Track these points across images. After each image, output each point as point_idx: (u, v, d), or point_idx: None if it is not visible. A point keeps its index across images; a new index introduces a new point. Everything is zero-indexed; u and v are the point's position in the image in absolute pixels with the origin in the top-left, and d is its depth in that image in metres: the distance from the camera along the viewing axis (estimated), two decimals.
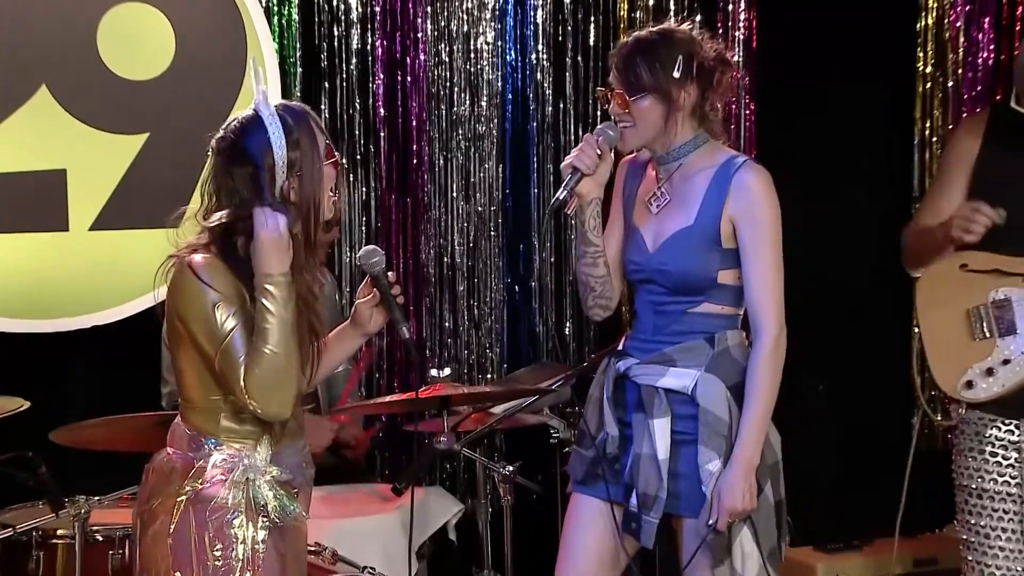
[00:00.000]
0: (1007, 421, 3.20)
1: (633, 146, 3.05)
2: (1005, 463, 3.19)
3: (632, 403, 3.03)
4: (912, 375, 3.37)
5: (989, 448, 3.20)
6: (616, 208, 3.12)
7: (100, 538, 3.39)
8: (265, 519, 2.60)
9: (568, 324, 4.84)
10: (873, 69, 4.89)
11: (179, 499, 2.59)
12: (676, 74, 2.95)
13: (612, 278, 3.11)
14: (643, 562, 3.10)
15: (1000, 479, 3.19)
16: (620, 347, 3.12)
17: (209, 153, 2.63)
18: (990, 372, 3.19)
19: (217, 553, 2.58)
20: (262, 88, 2.58)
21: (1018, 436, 3.19)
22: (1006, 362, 3.19)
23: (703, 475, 2.93)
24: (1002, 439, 3.20)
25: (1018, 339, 3.19)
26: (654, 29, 3.04)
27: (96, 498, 3.40)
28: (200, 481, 2.59)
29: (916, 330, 3.35)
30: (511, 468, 3.56)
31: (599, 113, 4.83)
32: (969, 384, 3.20)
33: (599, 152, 2.98)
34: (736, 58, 4.86)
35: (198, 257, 2.56)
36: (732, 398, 2.95)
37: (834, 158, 4.88)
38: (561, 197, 2.97)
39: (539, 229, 3.49)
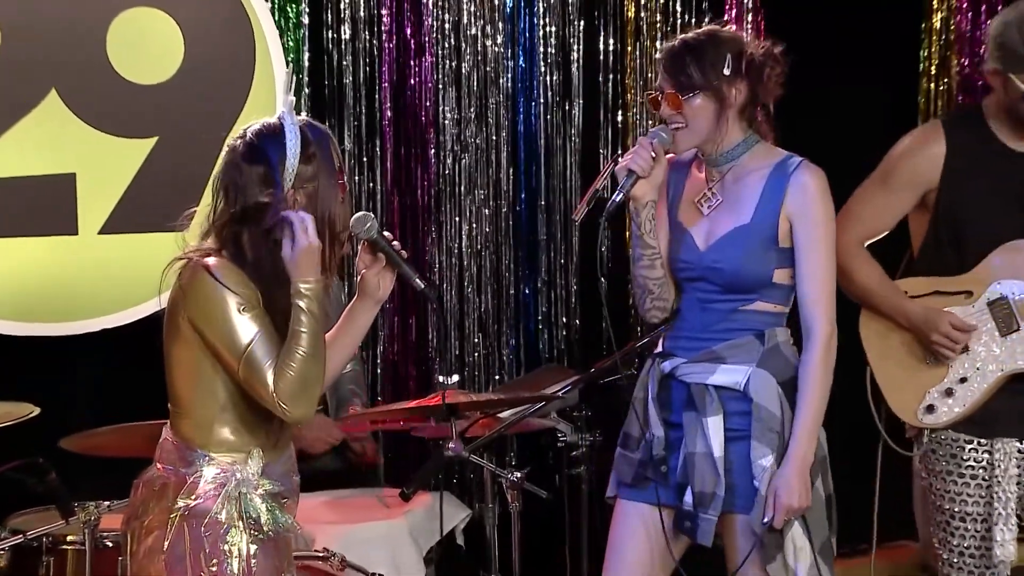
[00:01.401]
0: (983, 441, 3.17)
1: (686, 147, 3.04)
2: (984, 485, 3.16)
3: (680, 402, 3.02)
4: (870, 407, 3.32)
5: (969, 472, 3.17)
6: (661, 206, 3.10)
7: (110, 544, 3.40)
8: (258, 532, 2.60)
9: (577, 326, 4.84)
10: (876, 71, 4.88)
11: (172, 515, 2.59)
12: (727, 71, 2.97)
13: (668, 279, 3.10)
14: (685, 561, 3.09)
15: (983, 500, 3.16)
16: (661, 348, 3.10)
17: (224, 149, 2.64)
18: (949, 393, 3.17)
19: (213, 568, 2.57)
20: (290, 98, 2.61)
21: (984, 454, 3.16)
22: (963, 380, 3.17)
23: (755, 470, 2.95)
24: (980, 460, 3.17)
25: (971, 356, 3.18)
26: (701, 31, 3.06)
27: (106, 503, 3.41)
28: (193, 496, 2.59)
29: (867, 365, 3.30)
30: (519, 475, 3.56)
31: (606, 114, 4.84)
32: (930, 408, 3.19)
33: (653, 155, 2.98)
34: None
35: (212, 260, 2.56)
36: (784, 394, 2.97)
37: (837, 160, 4.87)
38: (618, 200, 2.97)
39: (565, 231, 3.39)
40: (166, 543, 2.58)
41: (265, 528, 2.61)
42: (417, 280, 2.73)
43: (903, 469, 3.44)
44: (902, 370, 3.23)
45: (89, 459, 3.56)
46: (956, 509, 3.19)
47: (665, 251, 3.09)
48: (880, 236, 3.33)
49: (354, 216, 2.72)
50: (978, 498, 3.17)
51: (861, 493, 4.74)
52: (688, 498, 2.97)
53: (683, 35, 3.07)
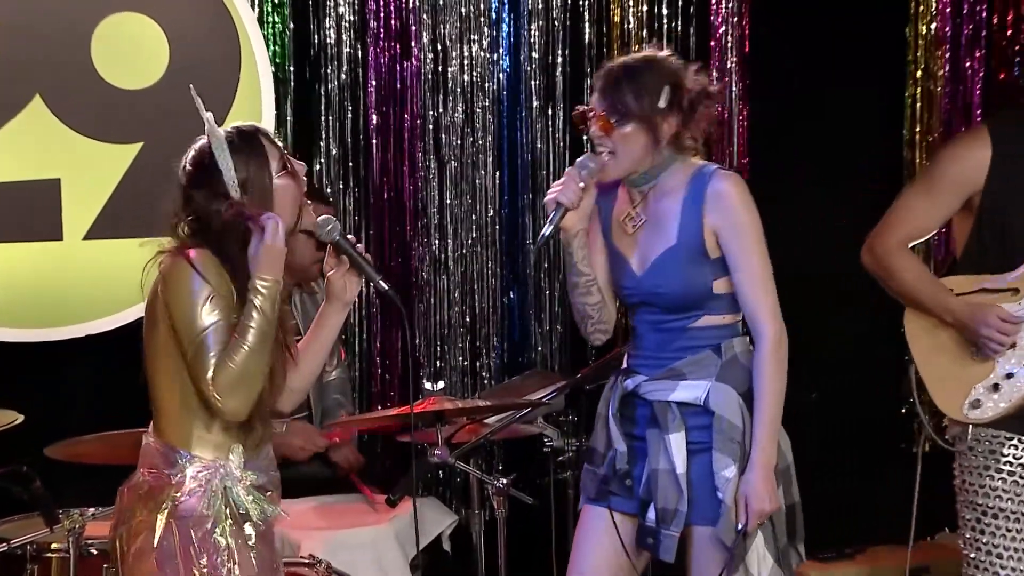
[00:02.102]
0: (1022, 438, 3.17)
1: (615, 176, 3.04)
2: (1022, 483, 3.16)
3: (644, 418, 3.04)
4: (915, 403, 3.33)
5: (1007, 468, 3.17)
6: (594, 231, 3.13)
7: (95, 551, 3.38)
8: (246, 524, 2.66)
9: (561, 331, 4.85)
10: (866, 74, 4.89)
11: (159, 515, 2.64)
12: (662, 103, 2.96)
13: (606, 302, 3.14)
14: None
15: (1017, 499, 3.15)
16: (625, 365, 3.13)
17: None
18: (995, 388, 3.17)
19: (203, 562, 2.62)
20: (207, 115, 2.69)
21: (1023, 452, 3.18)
22: (1009, 376, 3.17)
23: (718, 482, 2.96)
24: (1019, 457, 3.17)
25: (1018, 351, 3.18)
26: (640, 56, 3.04)
27: (91, 511, 3.40)
28: (179, 495, 2.64)
29: (911, 362, 3.31)
30: (505, 481, 3.56)
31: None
32: (975, 404, 3.18)
33: (582, 185, 2.98)
34: (730, 64, 4.88)
35: (195, 252, 2.63)
36: (744, 404, 2.98)
37: (827, 161, 4.89)
38: (547, 233, 2.99)
39: (528, 254, 3.49)
40: (155, 542, 2.63)
41: (254, 519, 2.67)
42: (381, 282, 2.77)
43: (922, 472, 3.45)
44: (947, 366, 3.23)
45: (74, 466, 3.55)
46: (990, 504, 3.18)
47: (604, 275, 3.12)
48: (924, 239, 3.34)
49: (318, 219, 2.78)
50: (1013, 495, 3.16)
51: (865, 492, 4.78)
52: (651, 514, 2.99)
53: (623, 58, 3.05)
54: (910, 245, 3.32)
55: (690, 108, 2.99)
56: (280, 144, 2.75)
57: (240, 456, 2.68)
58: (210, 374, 2.57)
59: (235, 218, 2.61)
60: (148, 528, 2.63)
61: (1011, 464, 3.17)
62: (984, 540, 3.18)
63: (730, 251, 2.97)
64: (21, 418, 3.42)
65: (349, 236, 2.79)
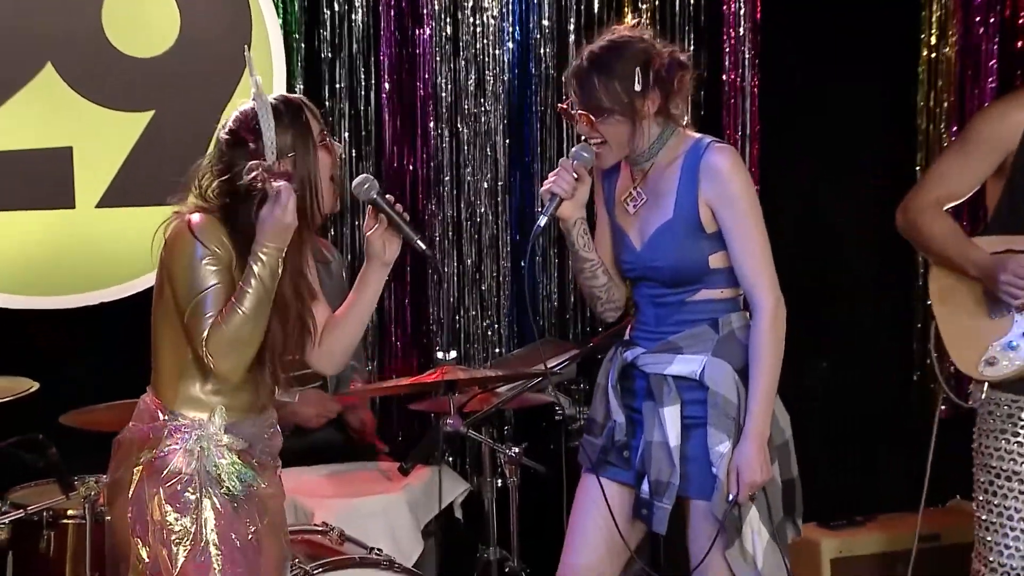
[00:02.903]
0: None
1: (610, 163, 3.06)
2: None
3: (641, 391, 3.06)
4: (931, 360, 3.35)
5: (1023, 431, 3.19)
6: (600, 209, 3.16)
7: (109, 518, 3.42)
8: (219, 488, 2.69)
9: (573, 300, 4.85)
10: (873, 67, 4.88)
11: (136, 468, 2.70)
12: (637, 87, 2.95)
13: (614, 281, 3.15)
14: (651, 545, 3.14)
15: None
16: (627, 336, 3.14)
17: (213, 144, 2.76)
18: (1011, 346, 3.19)
19: (171, 519, 2.66)
20: (256, 79, 2.68)
21: None
22: None
23: (713, 457, 2.97)
24: None
25: None
26: (604, 42, 3.00)
27: (105, 477, 3.43)
28: (156, 450, 2.69)
29: (933, 320, 3.33)
30: (517, 450, 3.58)
31: None
32: (991, 361, 3.20)
33: (576, 175, 2.99)
34: (743, 31, 4.86)
35: (197, 216, 2.66)
36: (740, 380, 2.99)
37: (837, 146, 4.89)
38: (541, 224, 3.00)
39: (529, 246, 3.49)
40: (130, 493, 2.69)
41: (227, 483, 2.69)
42: (419, 242, 2.76)
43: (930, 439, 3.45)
44: (966, 324, 3.24)
45: (88, 433, 3.58)
46: (1004, 467, 3.19)
47: (608, 253, 3.14)
48: (960, 200, 3.33)
49: (355, 180, 2.79)
50: None
51: (874, 460, 4.78)
52: (645, 486, 3.01)
53: (589, 47, 3.01)
54: (945, 207, 3.32)
55: (667, 81, 2.98)
56: (321, 120, 2.76)
57: (222, 418, 2.71)
58: (204, 335, 2.60)
59: (255, 181, 2.62)
60: (126, 481, 2.71)
61: None
62: (996, 502, 3.21)
63: (725, 223, 2.97)
64: (36, 386, 3.44)
65: (388, 196, 2.78)
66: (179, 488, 2.67)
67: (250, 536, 2.71)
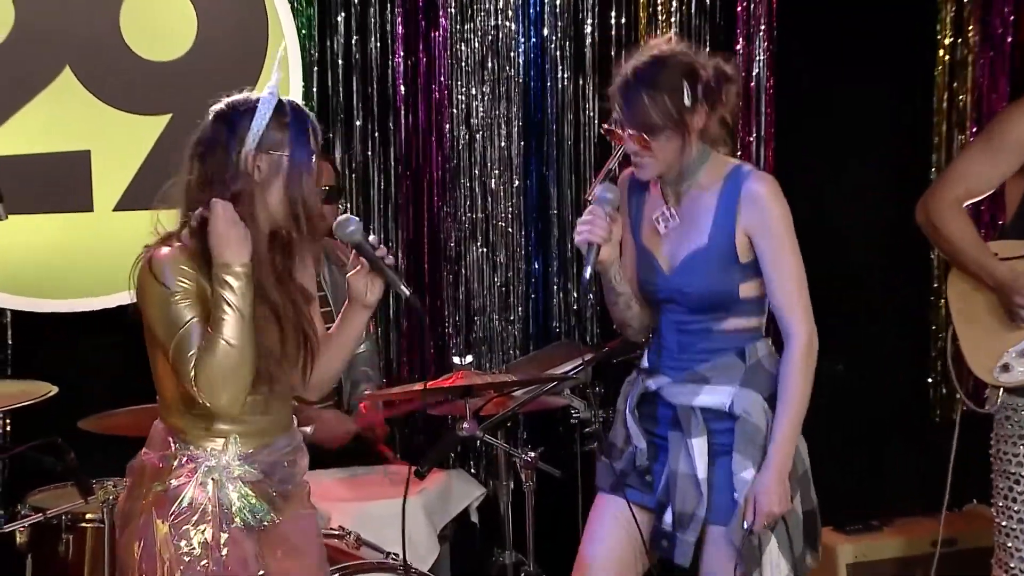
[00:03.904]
0: None
1: (651, 176, 2.99)
2: None
3: (665, 419, 3.03)
4: (947, 363, 3.35)
5: None
6: (625, 234, 3.08)
7: (117, 547, 3.43)
8: (229, 520, 2.62)
9: (590, 302, 4.85)
10: (883, 68, 4.87)
11: (145, 500, 2.63)
12: (687, 102, 2.89)
13: (646, 308, 3.12)
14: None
15: None
16: (645, 364, 3.10)
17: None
18: None
19: (178, 554, 2.58)
20: (278, 75, 2.63)
21: None
22: None
23: (737, 483, 2.95)
24: None
25: None
26: (646, 57, 2.93)
27: (124, 481, 3.44)
28: (166, 482, 2.62)
29: (951, 324, 3.33)
30: (533, 454, 3.59)
31: None
32: (1006, 367, 3.19)
33: (609, 218, 2.94)
34: (761, 29, 4.86)
35: (163, 250, 2.57)
36: (768, 408, 2.97)
37: (851, 147, 4.88)
38: (588, 276, 2.93)
39: (577, 207, 3.34)
40: (140, 524, 2.63)
41: (237, 517, 2.62)
42: (402, 287, 2.67)
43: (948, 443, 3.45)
44: (983, 330, 3.24)
45: (107, 437, 3.60)
46: (1023, 473, 3.19)
47: (631, 274, 3.08)
48: (981, 197, 3.33)
49: (337, 219, 2.70)
50: None
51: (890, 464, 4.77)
52: (667, 518, 2.98)
53: (632, 63, 2.93)
54: (965, 204, 3.31)
55: (715, 95, 2.93)
56: (318, 144, 2.67)
57: (237, 447, 2.63)
58: (191, 375, 2.51)
59: (230, 175, 2.54)
60: (136, 512, 2.65)
61: None
62: (1016, 508, 3.20)
63: (763, 254, 2.94)
64: (55, 390, 3.45)
65: (371, 238, 2.70)
66: (188, 523, 2.61)
67: (261, 573, 2.66)
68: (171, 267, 2.54)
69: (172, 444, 2.64)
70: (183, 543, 2.60)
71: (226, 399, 2.52)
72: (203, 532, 2.61)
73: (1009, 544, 3.23)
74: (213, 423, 2.63)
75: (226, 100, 2.66)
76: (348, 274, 2.73)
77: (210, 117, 2.64)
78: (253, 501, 2.64)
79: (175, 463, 2.63)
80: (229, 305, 2.49)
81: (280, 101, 2.61)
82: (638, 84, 2.89)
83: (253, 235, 2.56)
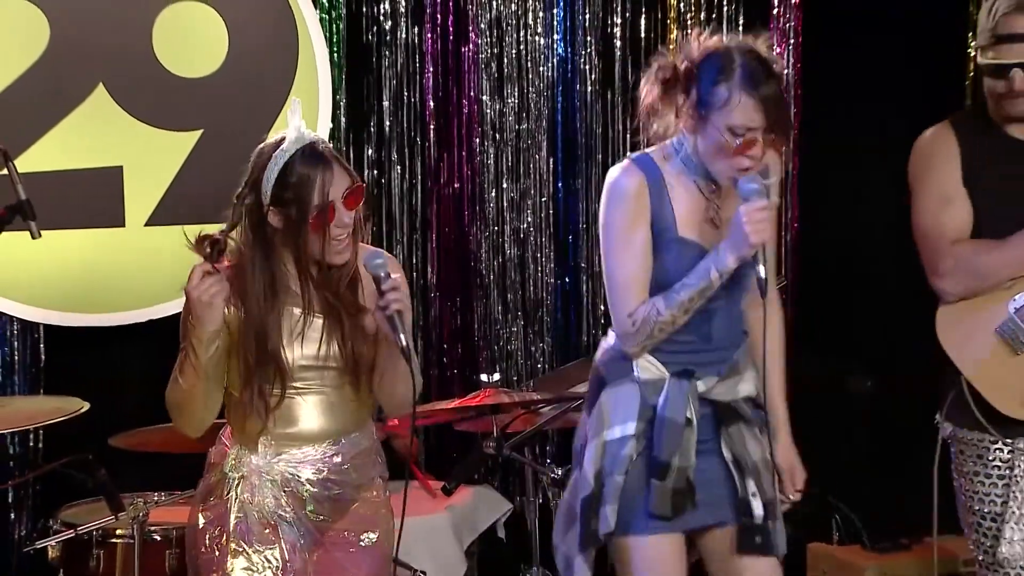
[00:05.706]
0: (1007, 440, 3.10)
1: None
2: (1009, 484, 3.10)
3: (709, 417, 2.94)
4: (976, 415, 3.25)
5: (996, 472, 3.11)
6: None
7: (158, 538, 3.48)
8: (261, 516, 2.72)
9: None
10: (920, 71, 4.86)
11: (197, 493, 2.82)
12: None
13: None
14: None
15: (999, 501, 3.11)
16: (677, 368, 2.93)
17: None
18: None
19: (217, 545, 2.72)
20: (296, 124, 2.69)
21: (1009, 454, 3.11)
22: None
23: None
24: (1007, 460, 3.10)
25: None
26: (755, 56, 2.80)
27: (154, 498, 3.49)
28: (208, 476, 2.80)
29: (959, 374, 3.18)
30: (560, 471, 3.60)
31: None
32: None
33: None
34: (788, 46, 4.86)
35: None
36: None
37: (884, 153, 4.86)
38: (764, 274, 2.81)
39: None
40: (189, 519, 2.81)
41: (263, 515, 2.72)
42: (401, 336, 2.60)
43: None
44: (995, 367, 3.15)
45: (137, 453, 3.64)
46: (986, 510, 3.16)
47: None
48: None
49: (365, 251, 2.72)
50: (1008, 498, 3.10)
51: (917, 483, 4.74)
52: (758, 510, 2.88)
53: (776, 70, 2.81)
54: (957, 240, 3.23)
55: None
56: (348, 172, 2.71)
57: (266, 448, 2.74)
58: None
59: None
60: (196, 497, 2.83)
61: (999, 468, 3.11)
62: (988, 544, 3.14)
63: None
64: (87, 406, 3.48)
65: (393, 277, 2.62)
66: (223, 516, 2.74)
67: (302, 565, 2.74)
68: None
69: (220, 442, 2.83)
70: (223, 534, 2.73)
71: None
72: (235, 532, 2.72)
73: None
74: (248, 423, 2.74)
75: (260, 145, 2.73)
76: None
77: (249, 169, 2.73)
78: (281, 501, 2.73)
79: (223, 459, 2.78)
80: (196, 356, 2.66)
81: (289, 161, 2.65)
82: (780, 91, 2.81)
83: (277, 274, 2.71)
